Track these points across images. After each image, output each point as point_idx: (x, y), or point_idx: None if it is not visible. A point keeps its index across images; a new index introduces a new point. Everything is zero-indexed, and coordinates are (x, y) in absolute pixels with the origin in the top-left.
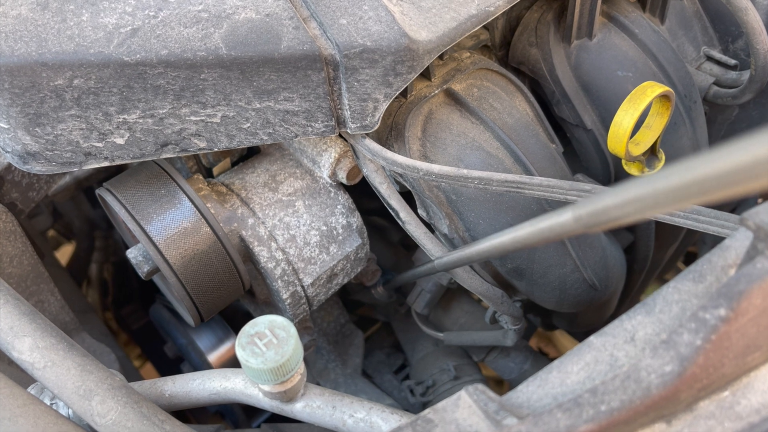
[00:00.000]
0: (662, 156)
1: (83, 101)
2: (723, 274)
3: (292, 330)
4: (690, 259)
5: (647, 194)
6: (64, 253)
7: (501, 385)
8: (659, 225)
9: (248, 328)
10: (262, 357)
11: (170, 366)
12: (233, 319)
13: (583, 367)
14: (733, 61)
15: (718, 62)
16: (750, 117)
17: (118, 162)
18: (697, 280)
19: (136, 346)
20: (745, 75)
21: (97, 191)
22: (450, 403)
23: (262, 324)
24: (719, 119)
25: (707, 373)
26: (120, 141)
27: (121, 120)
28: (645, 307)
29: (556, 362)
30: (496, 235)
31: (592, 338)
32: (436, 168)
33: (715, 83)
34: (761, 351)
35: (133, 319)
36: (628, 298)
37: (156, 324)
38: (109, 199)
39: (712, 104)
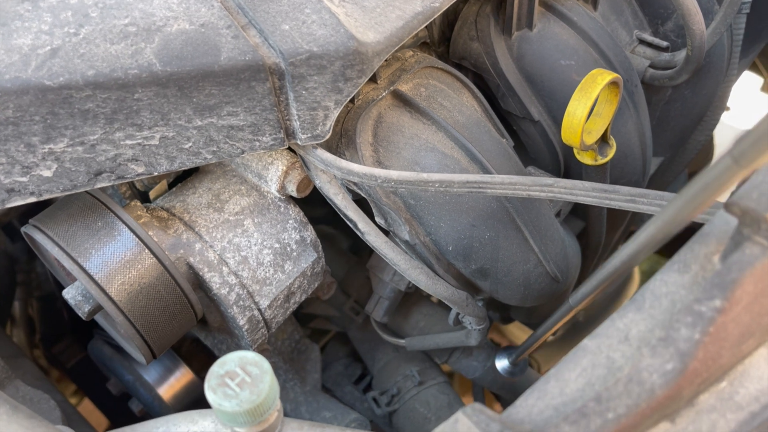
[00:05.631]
0: (613, 143)
1: (1, 134)
2: (707, 262)
3: (266, 365)
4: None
5: None
6: None
7: (452, 376)
8: (610, 209)
9: (217, 368)
10: (236, 399)
11: (114, 402)
12: (180, 347)
13: (580, 373)
14: (664, 43)
15: (651, 45)
16: (683, 96)
17: (46, 196)
18: (683, 271)
19: (70, 382)
20: (678, 56)
21: (23, 229)
22: (447, 427)
23: (231, 362)
24: (654, 100)
25: (706, 366)
26: (47, 173)
27: (46, 150)
28: (634, 304)
29: (552, 371)
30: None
31: (585, 341)
32: (394, 174)
33: (650, 66)
34: (754, 337)
35: (68, 356)
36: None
37: (96, 361)
38: (39, 237)
39: (647, 86)
